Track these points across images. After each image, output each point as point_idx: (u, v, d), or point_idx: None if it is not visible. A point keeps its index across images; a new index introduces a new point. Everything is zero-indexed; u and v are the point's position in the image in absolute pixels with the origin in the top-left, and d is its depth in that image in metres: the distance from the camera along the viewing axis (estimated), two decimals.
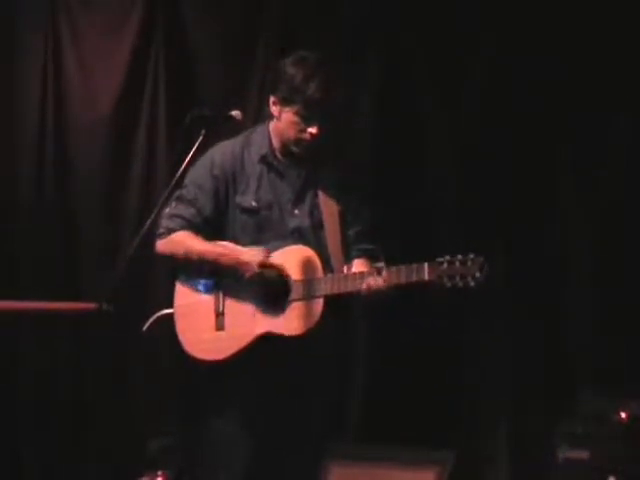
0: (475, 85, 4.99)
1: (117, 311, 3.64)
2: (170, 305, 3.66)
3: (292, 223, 3.60)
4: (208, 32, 5.25)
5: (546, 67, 4.84)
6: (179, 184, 3.65)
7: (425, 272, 3.35)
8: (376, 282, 3.40)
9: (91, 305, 3.72)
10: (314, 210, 3.61)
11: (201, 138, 3.63)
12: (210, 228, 3.62)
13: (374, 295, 3.43)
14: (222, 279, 3.59)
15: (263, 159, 3.63)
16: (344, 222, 3.62)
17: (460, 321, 4.92)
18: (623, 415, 4.27)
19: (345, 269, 3.54)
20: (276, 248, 3.56)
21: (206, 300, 3.60)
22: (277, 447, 3.56)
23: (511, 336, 4.91)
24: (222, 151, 3.66)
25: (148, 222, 3.61)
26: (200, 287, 3.63)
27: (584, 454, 4.27)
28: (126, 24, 5.26)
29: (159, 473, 4.64)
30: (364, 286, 3.42)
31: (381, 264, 3.45)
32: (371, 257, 3.58)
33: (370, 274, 3.43)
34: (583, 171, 4.88)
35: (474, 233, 4.76)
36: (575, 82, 4.83)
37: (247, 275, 3.52)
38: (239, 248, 3.57)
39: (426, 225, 4.96)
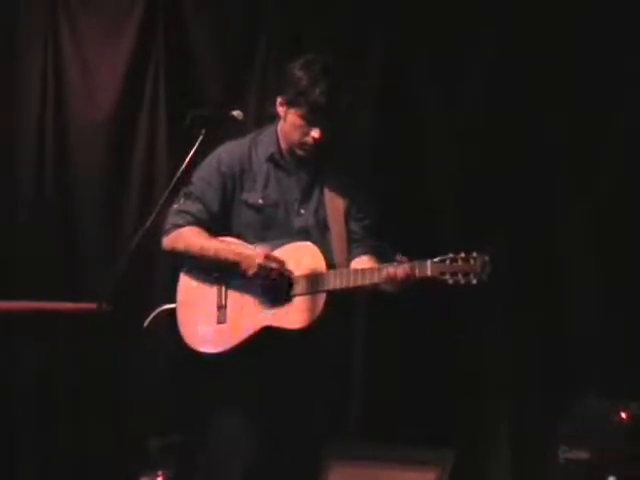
0: (475, 85, 5.00)
1: (117, 311, 3.64)
2: (170, 301, 3.67)
3: (298, 222, 3.62)
4: (208, 32, 5.25)
5: (546, 67, 4.85)
6: (179, 184, 3.65)
7: (428, 268, 3.35)
8: (396, 273, 3.36)
9: (91, 305, 3.73)
10: (319, 208, 3.62)
11: (201, 138, 3.64)
12: (217, 224, 3.64)
13: (397, 287, 3.40)
14: (224, 272, 3.58)
15: (271, 158, 3.65)
16: (349, 217, 3.62)
17: (460, 320, 4.92)
18: (623, 415, 4.27)
19: (353, 264, 3.54)
20: (281, 246, 3.56)
21: (208, 293, 3.61)
22: (277, 446, 3.56)
23: (511, 335, 4.92)
24: (230, 149, 3.69)
25: (148, 222, 3.61)
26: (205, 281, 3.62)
27: (584, 454, 4.27)
28: (126, 24, 5.26)
29: (159, 473, 4.64)
30: (383, 278, 3.38)
31: (401, 256, 3.39)
32: (379, 254, 3.58)
33: (382, 270, 3.41)
34: (583, 170, 4.88)
35: (474, 232, 4.76)
36: (575, 82, 4.83)
37: (250, 271, 3.52)
38: (243, 243, 3.58)
39: (426, 224, 4.96)
